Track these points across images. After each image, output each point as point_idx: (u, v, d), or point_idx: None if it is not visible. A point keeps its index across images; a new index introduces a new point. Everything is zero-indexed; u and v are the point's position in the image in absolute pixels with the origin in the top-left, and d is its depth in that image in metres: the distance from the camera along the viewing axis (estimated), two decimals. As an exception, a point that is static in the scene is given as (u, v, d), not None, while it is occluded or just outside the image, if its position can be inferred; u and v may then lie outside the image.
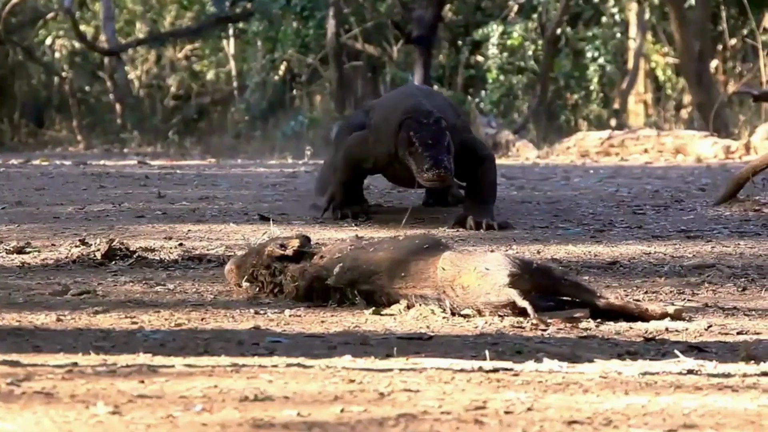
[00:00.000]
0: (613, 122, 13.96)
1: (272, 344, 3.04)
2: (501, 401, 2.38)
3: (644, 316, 3.40)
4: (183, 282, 3.98)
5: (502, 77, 14.05)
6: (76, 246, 4.50)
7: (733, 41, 14.24)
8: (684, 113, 14.27)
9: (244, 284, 3.74)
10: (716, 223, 5.40)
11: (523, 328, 3.28)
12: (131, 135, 14.99)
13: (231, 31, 16.10)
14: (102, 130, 15.66)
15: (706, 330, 3.32)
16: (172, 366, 2.66)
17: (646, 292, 3.90)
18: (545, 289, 3.40)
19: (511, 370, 2.69)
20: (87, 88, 16.59)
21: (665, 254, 4.58)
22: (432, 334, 3.20)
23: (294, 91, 15.19)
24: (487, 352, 2.87)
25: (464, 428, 2.18)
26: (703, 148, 10.25)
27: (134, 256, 4.33)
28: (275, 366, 2.69)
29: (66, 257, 4.35)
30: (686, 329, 3.32)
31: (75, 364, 2.67)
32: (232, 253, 4.27)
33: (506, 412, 2.30)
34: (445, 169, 4.67)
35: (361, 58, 14.93)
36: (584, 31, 14.43)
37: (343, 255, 3.62)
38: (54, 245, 4.67)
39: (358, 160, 5.12)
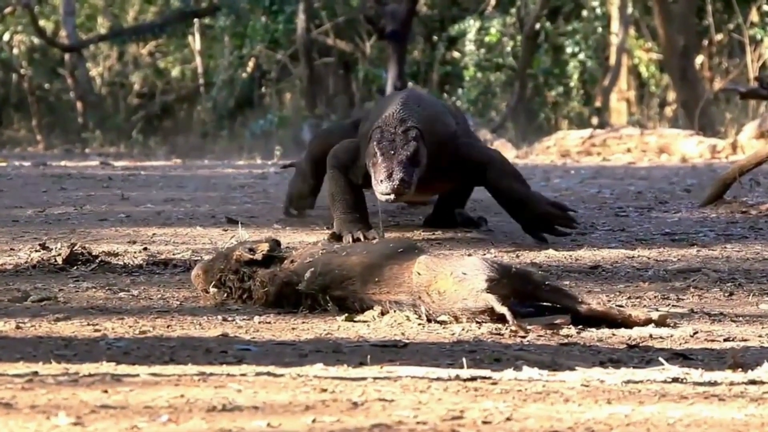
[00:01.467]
0: (594, 121, 13.99)
1: (241, 352, 3.00)
2: (479, 411, 2.35)
3: (627, 323, 3.36)
4: (148, 288, 3.92)
5: (479, 74, 14.06)
6: (36, 251, 4.43)
7: (719, 36, 14.31)
8: (668, 111, 14.36)
9: (212, 290, 3.68)
10: (702, 226, 5.40)
11: (502, 335, 3.25)
12: (93, 135, 14.84)
13: (197, 27, 15.99)
14: (62, 129, 15.49)
15: (691, 337, 3.30)
16: (137, 375, 2.62)
17: (629, 298, 3.87)
18: (524, 294, 3.36)
19: (489, 378, 2.66)
20: (47, 85, 16.41)
21: (649, 258, 4.57)
22: (407, 341, 3.17)
23: (263, 89, 15.13)
24: (464, 360, 2.84)
25: (442, 439, 2.13)
26: (688, 148, 10.26)
27: (97, 261, 4.28)
28: (244, 375, 2.65)
29: (25, 262, 4.29)
30: (671, 336, 3.30)
31: (35, 373, 2.62)
32: (199, 258, 4.21)
33: (484, 422, 2.27)
34: (401, 182, 4.42)
35: (332, 54, 14.89)
36: (564, 25, 14.46)
37: (315, 259, 3.56)
38: (13, 250, 4.60)
39: (345, 169, 4.82)
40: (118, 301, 3.71)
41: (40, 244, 4.54)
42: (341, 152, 4.87)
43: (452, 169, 4.82)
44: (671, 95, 14.38)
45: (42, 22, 16.05)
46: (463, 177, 4.86)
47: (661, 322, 3.36)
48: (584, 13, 14.41)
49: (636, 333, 3.30)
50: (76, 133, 15.18)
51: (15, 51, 16.52)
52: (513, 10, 14.13)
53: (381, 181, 4.45)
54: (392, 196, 4.46)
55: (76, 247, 4.30)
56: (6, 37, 16.29)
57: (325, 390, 2.50)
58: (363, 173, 4.76)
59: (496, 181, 4.79)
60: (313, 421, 2.25)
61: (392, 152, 4.53)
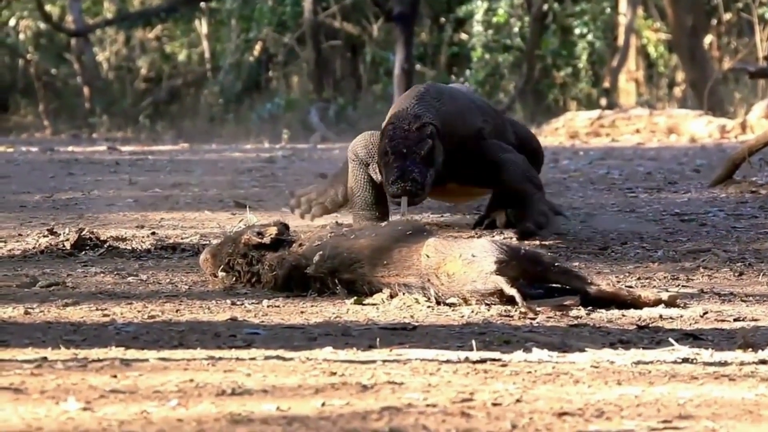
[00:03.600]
0: (603, 101, 13.91)
1: (250, 336, 2.99)
2: (489, 393, 2.34)
3: (637, 304, 3.35)
4: (156, 272, 3.91)
5: (487, 56, 13.98)
6: (44, 236, 4.43)
7: (728, 15, 14.20)
8: (677, 91, 14.28)
9: (220, 274, 3.67)
10: (711, 206, 5.38)
11: (511, 317, 3.23)
12: (100, 120, 14.83)
13: (204, 10, 15.94)
14: (70, 114, 15.48)
15: (701, 317, 3.28)
16: (146, 360, 2.61)
17: (638, 278, 3.86)
18: (534, 276, 3.35)
19: (498, 360, 2.65)
20: (53, 70, 16.40)
21: (659, 238, 4.55)
22: (416, 324, 3.16)
23: (270, 72, 15.09)
24: (473, 342, 2.83)
25: (451, 421, 2.14)
26: (698, 128, 10.22)
27: (105, 245, 4.27)
28: (253, 359, 2.64)
29: (34, 247, 4.28)
30: (681, 316, 3.28)
31: (44, 358, 2.62)
32: (207, 242, 4.21)
33: (494, 404, 2.26)
34: (412, 182, 4.12)
35: (339, 37, 14.84)
36: (572, 6, 14.36)
37: (323, 243, 3.54)
38: (21, 235, 4.60)
39: (365, 165, 4.47)
40: (127, 285, 3.70)
41: (48, 230, 4.54)
42: (360, 147, 4.57)
43: (473, 169, 4.51)
44: (680, 75, 14.29)
45: (48, 7, 16.02)
46: (481, 177, 4.54)
47: (671, 303, 3.35)
48: (592, -7, 14.31)
49: (646, 314, 3.29)
50: (83, 118, 15.17)
51: (21, 36, 16.50)
52: (520, -9, 14.05)
53: (392, 181, 4.16)
54: (404, 197, 4.17)
55: (84, 232, 4.29)
56: (12, 22, 16.27)
57: (334, 373, 2.49)
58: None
59: (508, 178, 4.49)
60: (323, 404, 2.24)
61: (404, 150, 4.22)
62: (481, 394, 2.33)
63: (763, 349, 2.77)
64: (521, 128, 5.08)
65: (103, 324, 3.11)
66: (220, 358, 2.63)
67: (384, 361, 2.62)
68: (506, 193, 4.59)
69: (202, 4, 15.73)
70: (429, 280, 3.38)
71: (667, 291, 3.52)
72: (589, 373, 2.52)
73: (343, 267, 3.49)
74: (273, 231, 3.62)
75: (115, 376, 2.44)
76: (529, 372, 2.53)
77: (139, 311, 3.31)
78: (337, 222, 4.73)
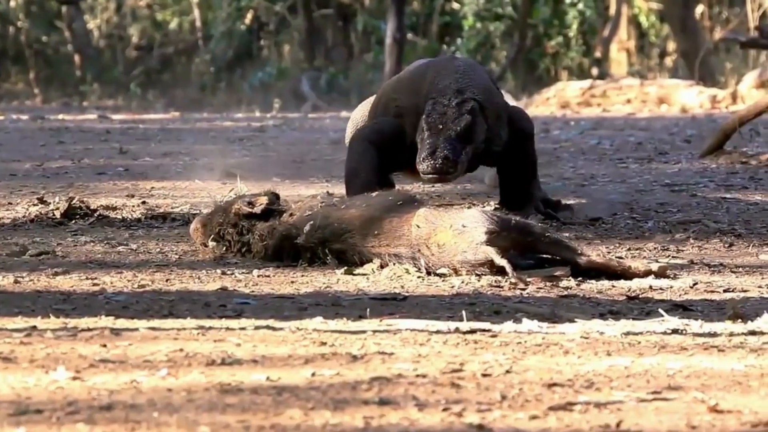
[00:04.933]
0: (594, 71, 13.87)
1: (240, 306, 2.98)
2: (478, 363, 2.34)
3: (627, 274, 3.34)
4: (146, 241, 3.90)
5: (478, 24, 13.92)
6: (34, 204, 4.41)
7: (720, -15, 14.15)
8: (668, 61, 14.25)
9: (211, 244, 3.66)
10: (702, 176, 5.38)
11: (502, 287, 3.23)
12: (91, 88, 14.74)
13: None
14: (60, 82, 15.38)
15: (691, 288, 3.28)
16: (136, 329, 2.60)
17: (629, 249, 3.86)
18: (524, 246, 3.34)
19: (488, 331, 2.65)
20: (44, 38, 16.27)
21: (649, 209, 4.54)
22: (406, 294, 3.16)
23: (261, 41, 15.00)
24: (464, 313, 2.83)
25: (441, 392, 2.14)
26: (688, 98, 10.21)
27: (95, 214, 4.25)
28: (243, 329, 2.64)
29: (23, 216, 4.27)
30: (671, 287, 3.28)
31: (34, 327, 2.61)
32: (198, 212, 4.19)
33: (484, 375, 2.26)
34: (444, 159, 3.89)
35: (331, 5, 14.75)
36: (564, -26, 14.28)
37: (314, 213, 3.53)
38: (11, 204, 4.58)
39: (382, 149, 4.16)
40: (117, 255, 3.69)
41: (38, 198, 4.52)
42: (359, 115, 4.29)
43: (504, 141, 4.22)
44: (671, 45, 14.25)
45: (38, -26, 15.88)
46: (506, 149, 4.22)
47: (660, 274, 3.35)
48: (584, -39, 14.23)
49: (636, 284, 3.29)
50: (74, 86, 15.08)
51: (12, 3, 16.35)
52: (512, -41, 13.97)
53: (422, 158, 3.93)
54: (434, 176, 3.94)
55: (74, 201, 4.27)
56: (2, -11, 16.12)
57: (324, 343, 2.49)
58: (404, 155, 4.13)
59: (522, 158, 4.23)
60: (313, 374, 2.24)
61: (440, 127, 3.99)
62: (471, 364, 2.33)
63: (752, 320, 2.77)
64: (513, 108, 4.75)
65: (93, 293, 3.11)
66: (210, 328, 2.62)
67: (374, 331, 2.62)
68: (512, 168, 4.28)
69: (194, -28, 15.61)
70: (419, 250, 3.37)
71: (657, 262, 3.51)
72: (579, 344, 2.52)
73: (333, 237, 3.48)
74: (264, 201, 3.60)
75: (104, 346, 2.43)
76: (519, 343, 2.53)
77: (129, 280, 3.30)
78: (328, 192, 4.72)
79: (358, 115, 4.51)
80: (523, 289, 3.20)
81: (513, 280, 3.23)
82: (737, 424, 1.96)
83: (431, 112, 4.05)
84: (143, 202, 4.61)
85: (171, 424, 1.93)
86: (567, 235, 3.90)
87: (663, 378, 2.25)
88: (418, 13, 14.61)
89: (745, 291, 3.24)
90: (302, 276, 3.40)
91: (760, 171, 5.49)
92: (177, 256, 3.69)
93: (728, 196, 4.84)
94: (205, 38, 15.65)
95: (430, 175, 3.96)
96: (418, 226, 3.38)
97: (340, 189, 4.74)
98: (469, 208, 3.63)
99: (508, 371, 2.28)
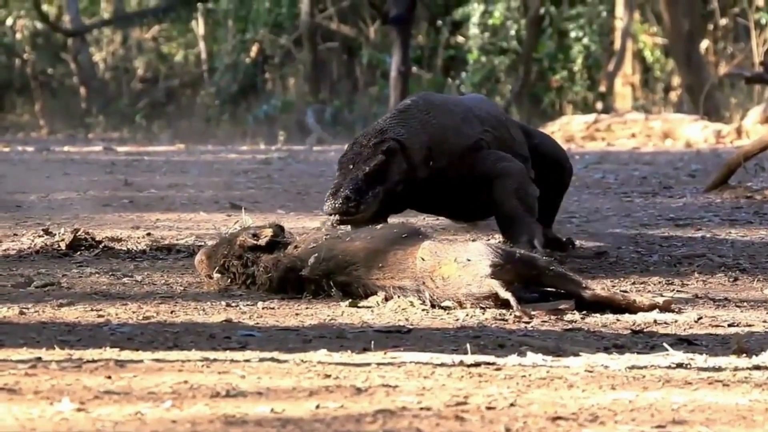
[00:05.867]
0: (599, 105, 13.94)
1: (245, 338, 2.98)
2: (483, 396, 2.34)
3: (632, 308, 3.35)
4: (151, 273, 3.91)
5: (483, 58, 14.01)
6: (40, 236, 4.42)
7: (724, 20, 14.24)
8: (673, 96, 14.31)
9: (215, 275, 3.66)
10: (707, 211, 5.39)
11: (506, 320, 3.23)
12: (96, 119, 14.83)
13: (200, 11, 15.93)
14: (66, 114, 15.47)
15: (696, 322, 3.28)
16: (141, 361, 2.61)
17: (633, 283, 3.86)
18: (529, 279, 3.35)
19: (493, 364, 2.65)
20: (50, 70, 16.38)
21: (654, 243, 4.54)
22: (411, 327, 3.16)
23: (266, 74, 15.09)
24: (468, 346, 2.83)
25: (445, 425, 2.14)
26: (693, 133, 10.25)
27: (100, 246, 4.27)
28: (248, 360, 2.64)
29: (29, 247, 4.28)
30: (675, 321, 3.28)
31: (39, 359, 2.61)
32: (203, 243, 4.20)
33: (488, 408, 2.26)
34: (345, 200, 3.80)
35: (336, 39, 14.86)
36: (568, 9, 14.39)
37: (318, 245, 3.54)
38: (16, 235, 4.59)
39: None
40: (122, 286, 3.70)
41: (43, 230, 4.53)
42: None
43: (469, 184, 4.12)
44: (676, 80, 14.32)
45: (45, 7, 16.02)
46: (474, 191, 4.13)
47: (665, 308, 3.35)
48: (589, -3, 14.35)
49: (640, 318, 3.29)
50: (80, 118, 15.16)
51: (18, 36, 16.48)
52: (517, -6, 14.08)
53: (325, 199, 3.87)
54: (336, 216, 3.82)
55: (79, 233, 4.28)
56: (9, 21, 16.25)
57: (329, 376, 2.49)
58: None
59: (498, 195, 4.06)
60: (317, 407, 2.24)
61: (351, 167, 3.91)
62: (476, 397, 2.32)
63: (757, 355, 2.77)
64: (543, 138, 4.59)
65: (97, 325, 3.11)
66: (215, 360, 2.62)
67: (378, 363, 2.62)
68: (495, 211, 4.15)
69: (199, 5, 15.73)
70: (424, 283, 3.37)
71: (662, 296, 3.51)
72: (584, 378, 2.52)
73: (338, 269, 3.49)
74: (268, 233, 3.62)
75: (109, 377, 2.43)
76: (524, 376, 2.53)
77: (134, 312, 3.30)
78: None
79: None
80: (528, 323, 3.20)
81: (517, 314, 3.23)
82: (742, 459, 1.96)
83: (347, 152, 4.00)
84: (148, 234, 4.62)
85: (176, 456, 1.93)
86: (572, 268, 3.91)
87: (667, 412, 2.25)
88: (423, 46, 14.71)
89: (749, 325, 3.24)
90: (307, 308, 3.40)
91: (764, 206, 5.50)
92: (182, 288, 3.69)
93: (733, 230, 4.85)
94: (210, 71, 15.76)
95: (331, 216, 3.86)
96: (422, 259, 3.39)
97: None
98: (473, 241, 3.64)
99: (512, 404, 2.28)
